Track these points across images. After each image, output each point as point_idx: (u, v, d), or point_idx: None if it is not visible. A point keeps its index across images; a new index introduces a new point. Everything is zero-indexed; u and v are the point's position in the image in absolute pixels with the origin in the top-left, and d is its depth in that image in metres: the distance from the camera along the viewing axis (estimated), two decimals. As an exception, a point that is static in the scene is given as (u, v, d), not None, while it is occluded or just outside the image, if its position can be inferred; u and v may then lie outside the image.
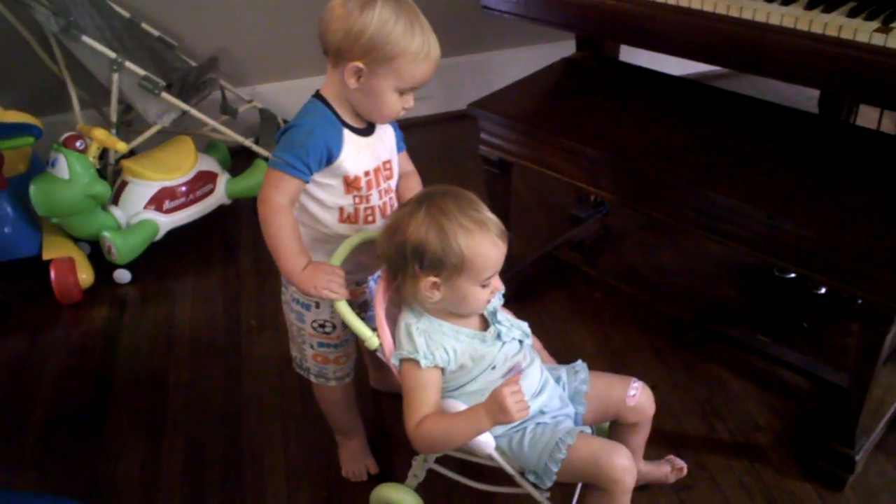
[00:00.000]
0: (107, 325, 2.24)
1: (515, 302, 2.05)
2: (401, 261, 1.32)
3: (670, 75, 2.09)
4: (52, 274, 2.26)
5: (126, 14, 2.69)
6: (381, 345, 1.39)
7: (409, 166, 1.60)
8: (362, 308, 1.60)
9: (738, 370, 1.96)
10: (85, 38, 2.35)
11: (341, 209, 1.46)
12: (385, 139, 1.50)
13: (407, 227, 1.30)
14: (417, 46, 1.33)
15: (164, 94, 2.44)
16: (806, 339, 2.02)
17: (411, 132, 3.07)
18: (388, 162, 1.50)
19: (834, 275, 1.50)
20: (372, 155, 1.46)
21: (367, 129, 1.45)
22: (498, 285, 1.36)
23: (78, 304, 2.30)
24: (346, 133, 1.42)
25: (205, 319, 2.24)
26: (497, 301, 1.43)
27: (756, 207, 1.56)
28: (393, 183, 1.52)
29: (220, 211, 2.56)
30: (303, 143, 1.37)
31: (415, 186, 1.56)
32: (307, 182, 1.40)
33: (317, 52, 1.41)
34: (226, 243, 2.55)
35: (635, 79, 2.08)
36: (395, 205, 1.52)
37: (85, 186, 2.23)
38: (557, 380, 1.46)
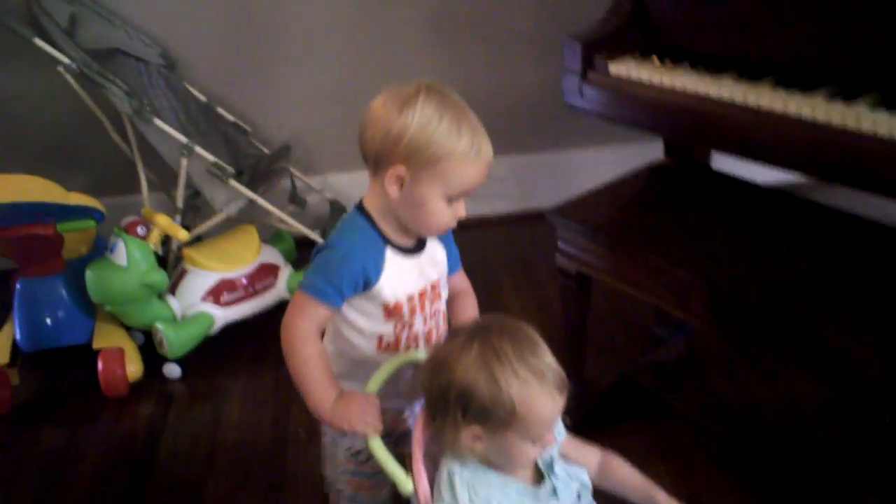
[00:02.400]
0: (149, 424, 2.11)
1: (587, 430, 1.85)
2: (442, 403, 1.15)
3: (769, 188, 1.90)
4: (100, 365, 2.16)
5: (203, 98, 2.67)
6: (415, 492, 1.20)
7: (464, 284, 1.45)
8: (402, 440, 1.42)
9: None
10: (157, 122, 2.30)
11: (380, 337, 1.31)
12: (436, 257, 1.34)
13: (455, 366, 1.13)
14: (465, 147, 1.18)
15: (232, 182, 2.36)
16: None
17: (482, 231, 3.09)
18: (437, 283, 1.34)
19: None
20: (418, 276, 1.30)
21: (415, 247, 1.30)
22: (551, 440, 1.18)
23: (124, 399, 2.19)
24: (389, 253, 1.26)
25: (252, 425, 2.09)
26: (554, 449, 1.24)
27: (874, 353, 1.34)
28: (441, 304, 1.37)
29: (280, 307, 2.44)
30: (337, 268, 1.23)
31: (471, 308, 1.42)
32: (339, 310, 1.26)
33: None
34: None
35: (729, 190, 1.90)
36: (442, 327, 1.37)
37: (142, 275, 2.14)
38: None
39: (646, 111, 1.76)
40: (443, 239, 1.36)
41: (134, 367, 2.21)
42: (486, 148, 1.22)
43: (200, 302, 2.29)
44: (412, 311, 1.30)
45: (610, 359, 2.18)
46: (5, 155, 2.74)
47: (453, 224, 1.27)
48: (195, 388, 2.25)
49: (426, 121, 1.17)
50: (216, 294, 2.31)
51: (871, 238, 1.67)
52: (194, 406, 2.18)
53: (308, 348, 1.23)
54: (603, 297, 2.39)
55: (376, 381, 1.27)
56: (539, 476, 1.22)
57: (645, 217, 1.81)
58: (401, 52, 2.82)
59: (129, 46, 2.54)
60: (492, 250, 2.86)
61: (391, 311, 1.28)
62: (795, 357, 1.48)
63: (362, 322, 1.29)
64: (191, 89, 2.65)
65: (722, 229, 1.73)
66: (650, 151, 2.09)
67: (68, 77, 2.28)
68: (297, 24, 2.73)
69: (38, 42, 2.23)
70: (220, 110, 2.69)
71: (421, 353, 1.29)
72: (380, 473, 1.40)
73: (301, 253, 2.67)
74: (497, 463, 1.18)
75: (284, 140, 2.78)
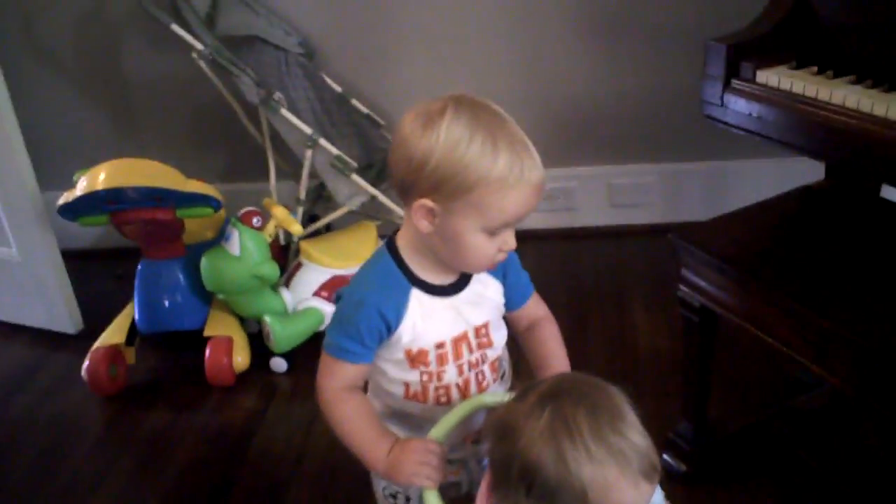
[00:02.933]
0: (248, 417, 2.09)
1: (704, 480, 1.65)
2: (504, 474, 0.96)
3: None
4: (207, 352, 2.16)
5: (338, 88, 2.61)
6: None
7: (539, 311, 1.27)
8: (451, 491, 1.27)
9: None
10: (284, 112, 2.26)
11: (406, 385, 1.16)
12: (485, 295, 1.16)
13: (519, 435, 0.94)
14: (502, 171, 0.99)
15: (355, 177, 2.29)
16: None
17: (618, 241, 2.84)
18: (484, 326, 1.17)
19: None
20: (454, 320, 1.14)
21: (453, 286, 1.14)
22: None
23: (228, 388, 2.18)
24: (416, 294, 1.11)
25: (293, 430, 2.03)
26: None
27: None
28: (491, 351, 1.19)
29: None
30: (351, 319, 1.09)
31: (551, 341, 1.25)
32: (369, 364, 1.14)
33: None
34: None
35: (899, 225, 1.61)
36: (490, 377, 1.20)
37: (254, 266, 2.12)
38: None
39: (796, 128, 1.50)
40: (501, 269, 1.18)
41: (241, 358, 2.19)
42: (532, 168, 1.02)
43: (312, 297, 2.24)
44: (441, 360, 1.14)
45: (740, 400, 1.93)
46: (149, 137, 2.82)
47: (500, 258, 1.09)
48: (298, 384, 2.20)
49: (454, 142, 0.99)
50: (329, 290, 2.25)
51: None
52: (294, 404, 2.13)
53: (343, 407, 1.13)
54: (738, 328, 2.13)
55: (442, 427, 1.12)
56: None
57: (788, 250, 1.56)
58: (545, 50, 2.66)
59: (268, 34, 2.53)
60: (626, 263, 2.64)
61: (414, 359, 1.13)
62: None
63: (388, 367, 1.16)
64: (327, 80, 2.61)
65: (884, 273, 1.46)
66: (817, 170, 1.82)
67: (201, 63, 2.29)
68: (440, 19, 2.63)
69: (175, 28, 2.25)
70: (355, 102, 2.63)
71: (494, 397, 1.14)
72: None
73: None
74: None
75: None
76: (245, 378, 2.21)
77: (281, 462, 1.93)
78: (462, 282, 1.15)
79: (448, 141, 0.99)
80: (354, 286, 1.14)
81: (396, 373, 1.15)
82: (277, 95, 2.28)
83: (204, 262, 2.15)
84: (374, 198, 2.34)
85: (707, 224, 1.65)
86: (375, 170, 2.51)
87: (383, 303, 1.09)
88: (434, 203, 1.02)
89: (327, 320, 2.24)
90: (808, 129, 1.49)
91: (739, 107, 1.58)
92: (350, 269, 2.27)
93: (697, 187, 2.78)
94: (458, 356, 1.15)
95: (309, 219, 2.49)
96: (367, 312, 1.08)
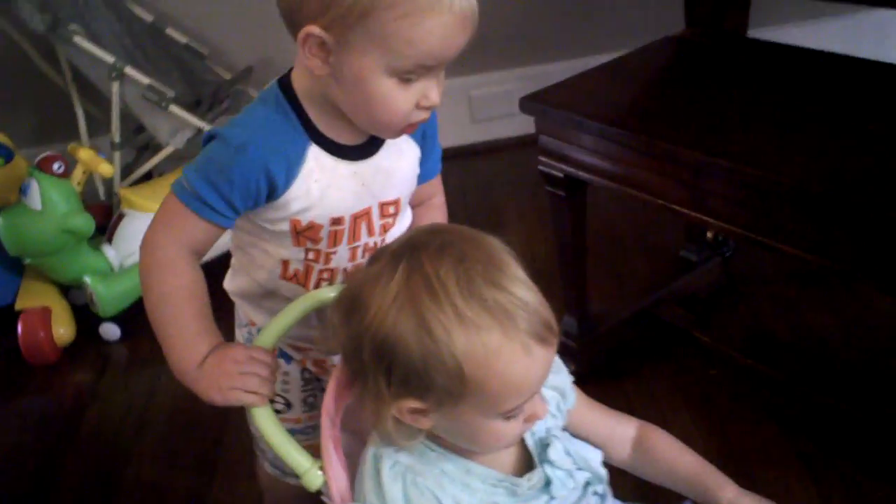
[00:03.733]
0: (78, 394, 1.79)
1: (597, 377, 1.46)
2: (357, 359, 0.74)
3: (820, 51, 1.44)
4: (20, 328, 1.83)
5: (148, 17, 2.29)
6: (325, 485, 0.82)
7: (437, 196, 1.03)
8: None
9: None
10: (78, 40, 1.94)
11: (285, 263, 0.92)
12: (399, 164, 0.92)
13: (368, 301, 0.72)
14: None
15: (174, 109, 1.99)
16: None
17: (487, 158, 2.58)
18: (393, 204, 0.93)
19: None
20: (358, 192, 0.89)
21: (361, 148, 0.88)
22: (539, 412, 0.76)
23: (53, 366, 1.86)
24: (314, 153, 0.86)
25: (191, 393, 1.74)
26: (551, 422, 0.84)
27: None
28: (395, 232, 0.95)
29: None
30: (225, 166, 0.82)
31: (437, 216, 1.03)
32: (224, 230, 0.86)
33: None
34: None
35: (774, 60, 1.45)
36: None
37: (61, 218, 1.80)
38: None
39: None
40: (420, 131, 0.92)
41: (64, 330, 1.87)
42: None
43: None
44: (334, 240, 0.90)
45: (629, 290, 1.76)
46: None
47: (420, 118, 0.83)
48: (137, 350, 1.90)
49: None
50: (159, 239, 1.95)
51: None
52: (132, 373, 1.84)
53: (172, 281, 0.84)
54: (620, 213, 1.97)
55: (271, 332, 0.87)
56: (527, 459, 0.82)
57: (654, 98, 1.39)
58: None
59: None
60: (495, 179, 2.44)
61: (300, 234, 0.88)
62: (857, 262, 1.05)
63: (265, 237, 0.90)
64: (134, 9, 2.28)
65: (760, 107, 1.29)
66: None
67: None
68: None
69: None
70: (171, 31, 2.31)
71: (335, 292, 0.88)
72: (309, 431, 1.05)
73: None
74: (460, 446, 0.78)
75: (248, 63, 2.39)
76: (73, 352, 1.89)
77: (118, 438, 1.65)
78: (373, 145, 0.89)
79: None
80: (236, 127, 0.86)
81: (275, 247, 0.90)
82: (72, 26, 1.95)
83: (0, 223, 1.82)
84: (200, 131, 2.05)
85: (564, 84, 1.45)
86: (206, 105, 2.21)
87: (271, 155, 0.83)
88: (325, 32, 0.77)
89: (163, 274, 1.94)
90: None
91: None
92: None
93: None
94: (354, 237, 0.91)
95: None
96: (248, 162, 0.82)
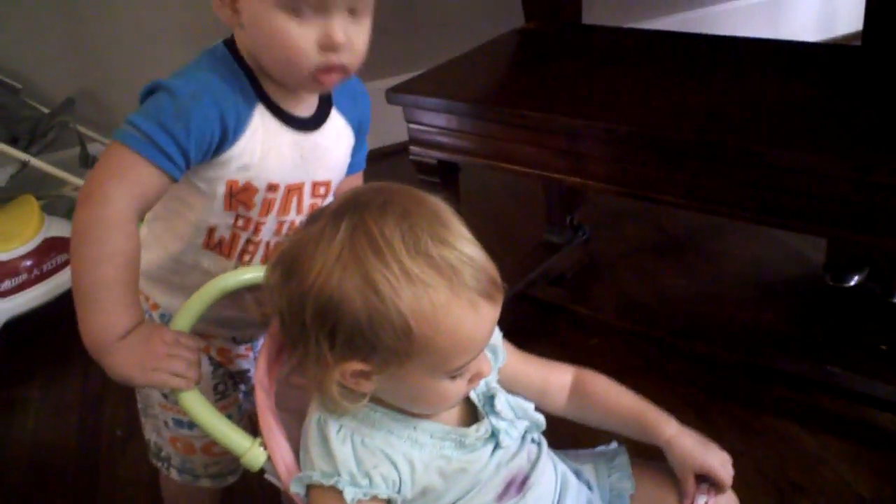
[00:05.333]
0: None
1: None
2: (297, 324, 0.70)
3: (653, 30, 1.57)
4: None
5: (-49, 53, 2.10)
6: (268, 461, 0.77)
7: (359, 182, 1.01)
8: (240, 380, 0.98)
9: (811, 420, 1.38)
10: None
11: (210, 230, 0.86)
12: (334, 147, 0.91)
13: (310, 264, 0.68)
14: None
15: (-6, 144, 1.83)
16: (889, 363, 1.46)
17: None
18: (325, 185, 0.90)
19: None
20: (297, 163, 0.86)
21: (304, 122, 0.87)
22: (484, 369, 0.75)
23: None
24: (260, 112, 0.83)
25: (53, 437, 1.58)
26: (493, 376, 0.83)
27: (839, 161, 1.01)
28: None
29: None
30: (181, 114, 0.77)
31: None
32: (176, 180, 0.80)
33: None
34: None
35: (612, 40, 1.55)
36: None
37: None
38: (578, 475, 0.87)
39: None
40: (356, 119, 0.93)
41: None
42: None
43: (-31, 296, 1.76)
44: (266, 208, 0.86)
45: (502, 275, 1.79)
46: None
47: (327, 60, 0.79)
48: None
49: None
50: (-15, 284, 1.77)
51: (799, 59, 1.37)
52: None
53: (119, 240, 0.76)
54: (477, 207, 2.01)
55: (188, 313, 0.81)
56: (471, 412, 0.81)
57: (518, 79, 1.44)
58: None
59: None
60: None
61: (235, 196, 0.83)
62: (731, 200, 1.14)
63: (191, 201, 0.84)
64: (-69, 43, 2.09)
65: (607, 77, 1.38)
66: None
67: None
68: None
69: None
70: (-23, 67, 2.14)
71: (255, 273, 0.85)
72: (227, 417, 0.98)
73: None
74: (403, 407, 0.76)
75: (67, 95, 2.25)
76: None
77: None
78: (316, 120, 0.87)
79: None
80: (182, 78, 0.80)
81: (201, 213, 0.84)
82: None
83: None
84: (25, 165, 1.89)
85: (425, 75, 1.47)
86: (24, 142, 2.05)
87: (225, 104, 0.79)
88: None
89: (-7, 320, 1.77)
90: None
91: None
92: (12, 251, 1.81)
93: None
94: (284, 210, 0.87)
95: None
96: (205, 108, 0.78)
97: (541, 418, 0.84)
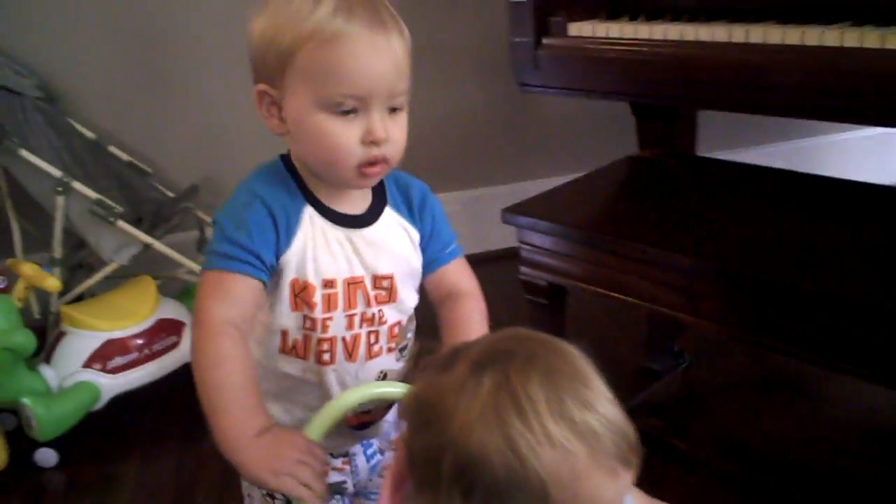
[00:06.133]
0: (11, 527, 1.63)
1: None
2: (432, 473, 0.69)
3: (762, 167, 1.56)
4: (-57, 457, 1.68)
5: (91, 135, 2.25)
6: None
7: (467, 282, 1.00)
8: (335, 491, 1.00)
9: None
10: (24, 153, 1.89)
11: (284, 333, 0.90)
12: (393, 239, 0.93)
13: (451, 417, 0.68)
14: (320, 19, 0.80)
15: (121, 224, 1.94)
16: None
17: None
18: (387, 279, 0.92)
19: None
20: (351, 257, 0.90)
21: (354, 218, 0.91)
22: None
23: (-20, 498, 1.70)
24: (309, 213, 0.88)
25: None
26: None
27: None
28: (395, 314, 0.94)
29: (186, 371, 1.98)
30: (240, 223, 0.84)
31: (474, 317, 0.97)
32: (265, 282, 0.86)
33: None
34: (189, 414, 1.95)
35: (721, 174, 1.56)
36: (386, 345, 0.95)
37: (1, 336, 1.69)
38: None
39: (617, 71, 1.41)
40: (417, 209, 0.95)
41: (-5, 456, 1.72)
42: (369, 20, 0.81)
43: (82, 370, 1.83)
44: (328, 304, 0.89)
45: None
46: None
47: (368, 155, 0.84)
48: (76, 478, 1.76)
49: (273, 8, 0.84)
50: (102, 358, 1.85)
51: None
52: (71, 500, 1.69)
53: (227, 344, 0.82)
54: (583, 332, 2.00)
55: (323, 422, 0.83)
56: None
57: (632, 208, 1.45)
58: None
59: (-2, 77, 2.14)
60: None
61: (298, 296, 0.88)
62: (832, 349, 1.11)
63: (264, 304, 0.89)
64: (76, 125, 2.25)
65: (723, 214, 1.38)
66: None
67: None
68: (204, 50, 2.36)
69: None
70: (113, 149, 2.28)
71: (398, 388, 0.87)
72: None
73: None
74: None
75: (192, 182, 2.37)
76: (4, 480, 1.73)
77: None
78: (368, 217, 0.92)
79: (267, 10, 0.84)
80: (238, 191, 0.89)
81: (274, 313, 0.89)
82: (15, 139, 1.90)
83: (-67, 341, 1.69)
84: (147, 248, 1.99)
85: (539, 198, 1.50)
86: (148, 222, 2.16)
87: (275, 207, 0.86)
88: (269, 87, 0.85)
89: (105, 395, 1.83)
90: (627, 69, 1.40)
91: (554, 64, 1.47)
92: (128, 329, 1.90)
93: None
94: (349, 304, 0.90)
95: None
96: (257, 212, 0.85)
97: None
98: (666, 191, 1.50)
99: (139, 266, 2.07)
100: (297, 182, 0.89)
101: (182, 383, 2.13)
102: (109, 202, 1.95)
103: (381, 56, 0.82)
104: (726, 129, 2.62)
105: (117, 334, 1.88)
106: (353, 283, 0.90)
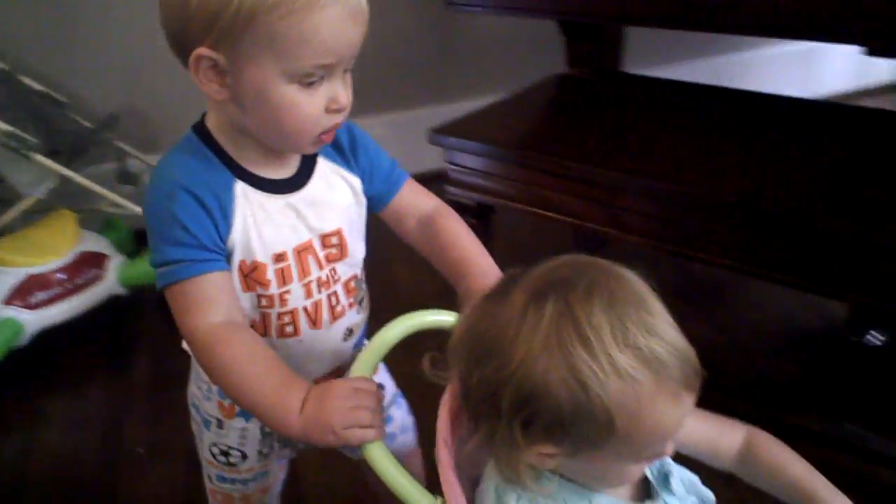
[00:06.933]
0: (-67, 468, 1.59)
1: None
2: (490, 406, 0.68)
3: (694, 84, 1.58)
4: None
5: (3, 66, 2.14)
6: None
7: (428, 201, 0.96)
8: (285, 444, 1.01)
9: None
10: (-74, 84, 1.79)
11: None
12: (333, 196, 0.88)
13: (512, 350, 0.66)
14: None
15: (37, 157, 1.86)
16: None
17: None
18: (336, 234, 0.88)
19: None
20: (296, 223, 0.85)
21: (289, 182, 0.85)
22: (667, 450, 0.73)
23: None
24: (241, 189, 0.82)
25: (74, 451, 1.59)
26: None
27: (872, 230, 1.01)
28: (348, 268, 0.91)
29: (113, 304, 1.95)
30: (168, 218, 0.78)
31: (461, 236, 0.93)
32: (227, 271, 0.81)
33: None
34: (116, 346, 1.92)
35: (652, 91, 1.56)
36: (345, 300, 0.92)
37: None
38: None
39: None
40: (348, 151, 0.89)
41: (-86, 397, 1.68)
42: None
43: (3, 306, 1.78)
44: (282, 279, 0.85)
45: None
46: None
47: (331, 122, 0.79)
48: (2, 415, 1.72)
49: None
50: (23, 294, 1.80)
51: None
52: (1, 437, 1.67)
53: (226, 350, 0.77)
54: (508, 245, 2.02)
55: (368, 359, 0.81)
56: (643, 487, 0.79)
57: (558, 126, 1.45)
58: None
59: None
60: (376, 227, 2.45)
61: (248, 277, 0.84)
62: (773, 261, 1.14)
63: None
64: (-17, 55, 2.14)
65: (647, 129, 1.39)
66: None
67: None
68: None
69: None
70: (25, 78, 2.18)
71: (447, 317, 0.83)
72: (257, 478, 1.00)
73: (141, 242, 2.18)
74: (579, 481, 0.74)
75: (111, 111, 2.29)
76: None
77: (-10, 509, 1.48)
78: (301, 176, 0.86)
79: None
80: (157, 180, 0.81)
81: None
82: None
83: None
84: (66, 181, 1.93)
85: (467, 119, 1.49)
86: (66, 156, 2.09)
87: (199, 187, 0.78)
88: (214, 51, 0.74)
89: (28, 330, 1.79)
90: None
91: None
92: (49, 264, 1.84)
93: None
94: (304, 273, 0.86)
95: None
96: (184, 201, 0.78)
97: (710, 495, 0.81)
98: (592, 108, 1.51)
99: (59, 200, 2.01)
100: (220, 156, 0.82)
101: (107, 316, 2.11)
102: (23, 134, 1.87)
103: (356, 21, 0.76)
104: (653, 45, 2.63)
105: (38, 270, 1.82)
106: (303, 251, 0.86)
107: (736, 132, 1.37)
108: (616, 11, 1.36)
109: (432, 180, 1.90)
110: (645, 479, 0.78)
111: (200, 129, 0.83)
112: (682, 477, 0.80)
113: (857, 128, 1.38)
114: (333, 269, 0.89)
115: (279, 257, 0.84)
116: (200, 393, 0.97)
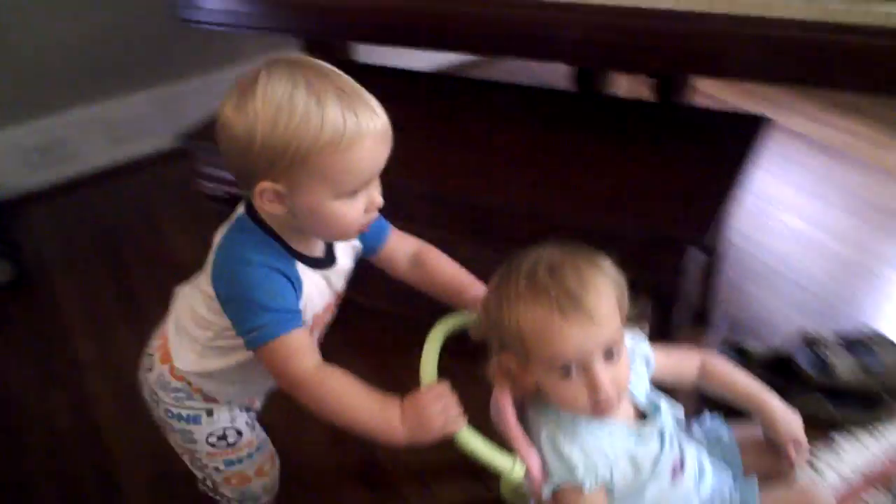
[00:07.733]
0: None
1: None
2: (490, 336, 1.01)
3: (425, 72, 1.89)
4: None
5: None
6: (527, 472, 0.99)
7: (413, 242, 1.20)
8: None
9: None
10: None
11: None
12: (348, 262, 1.13)
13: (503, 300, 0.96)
14: (334, 130, 0.90)
15: None
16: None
17: (138, 177, 2.63)
18: (341, 293, 1.14)
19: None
20: (325, 291, 1.09)
21: (326, 259, 1.08)
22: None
23: None
24: (300, 267, 1.03)
25: None
26: (646, 379, 1.10)
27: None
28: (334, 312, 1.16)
29: None
30: (252, 284, 0.97)
31: (448, 264, 1.18)
32: (306, 325, 1.03)
33: None
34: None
35: (379, 79, 1.84)
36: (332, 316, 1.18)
37: None
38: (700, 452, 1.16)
39: (270, 13, 1.64)
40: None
41: None
42: (369, 118, 0.93)
43: None
44: (311, 328, 1.08)
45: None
46: None
47: (369, 218, 1.00)
48: None
49: (273, 111, 0.89)
50: None
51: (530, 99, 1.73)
52: None
53: (330, 385, 0.98)
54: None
55: (431, 367, 1.03)
56: (640, 417, 1.07)
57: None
58: None
59: None
60: (153, 196, 2.63)
61: None
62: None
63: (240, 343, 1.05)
64: None
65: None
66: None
67: None
68: None
69: None
70: None
71: (457, 317, 1.11)
72: (261, 448, 1.24)
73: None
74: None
75: None
76: None
77: None
78: (330, 253, 1.09)
79: (266, 112, 0.89)
80: (238, 264, 0.99)
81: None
82: None
83: None
84: None
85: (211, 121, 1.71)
86: None
87: (278, 264, 0.99)
88: (275, 184, 0.93)
89: None
90: (281, 11, 1.64)
91: (213, 4, 1.66)
92: None
93: (194, 105, 2.79)
94: (322, 322, 1.12)
95: None
96: (273, 275, 0.98)
97: (680, 411, 1.08)
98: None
99: None
100: (278, 241, 1.01)
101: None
102: None
103: (386, 143, 0.95)
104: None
105: None
106: (327, 308, 1.10)
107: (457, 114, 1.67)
108: (347, 33, 1.65)
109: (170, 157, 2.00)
110: (640, 413, 1.06)
111: (253, 219, 1.02)
112: (666, 402, 1.09)
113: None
114: (334, 313, 1.15)
115: (316, 318, 1.08)
116: (177, 398, 1.15)
